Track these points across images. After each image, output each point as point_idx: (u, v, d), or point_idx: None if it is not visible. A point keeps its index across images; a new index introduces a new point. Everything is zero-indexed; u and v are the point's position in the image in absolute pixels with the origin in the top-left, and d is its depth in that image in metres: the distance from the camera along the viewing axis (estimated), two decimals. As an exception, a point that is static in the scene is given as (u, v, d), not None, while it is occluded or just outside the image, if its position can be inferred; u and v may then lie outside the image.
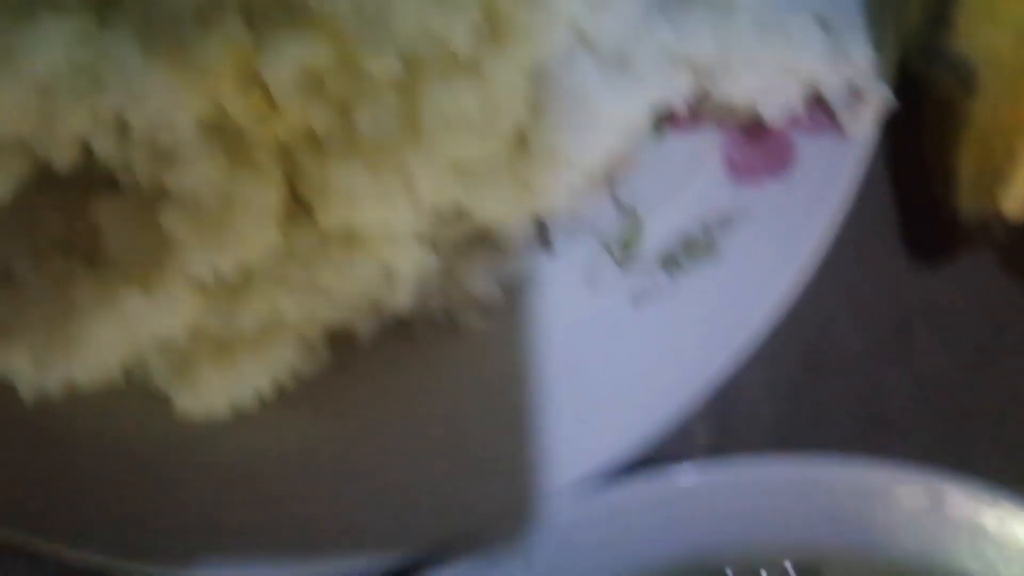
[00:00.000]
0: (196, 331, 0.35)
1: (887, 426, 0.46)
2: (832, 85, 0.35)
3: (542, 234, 0.38)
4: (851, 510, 0.41)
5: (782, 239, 0.37)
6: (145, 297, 0.34)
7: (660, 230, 0.38)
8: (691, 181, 0.38)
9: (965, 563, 0.42)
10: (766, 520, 0.41)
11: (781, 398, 0.46)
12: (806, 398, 0.46)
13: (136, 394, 0.38)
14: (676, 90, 0.36)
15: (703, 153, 0.38)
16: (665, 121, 0.37)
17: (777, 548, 0.42)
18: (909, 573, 0.42)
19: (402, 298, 0.36)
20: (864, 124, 0.35)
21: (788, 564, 0.42)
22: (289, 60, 0.30)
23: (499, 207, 0.34)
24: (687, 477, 0.39)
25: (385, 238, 0.33)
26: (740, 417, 0.46)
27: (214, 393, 0.36)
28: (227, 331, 0.35)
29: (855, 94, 0.35)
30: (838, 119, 0.35)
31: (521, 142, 0.33)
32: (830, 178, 0.36)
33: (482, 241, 0.37)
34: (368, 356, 0.39)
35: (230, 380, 0.36)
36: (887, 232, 0.46)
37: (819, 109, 0.35)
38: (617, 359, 0.39)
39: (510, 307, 0.40)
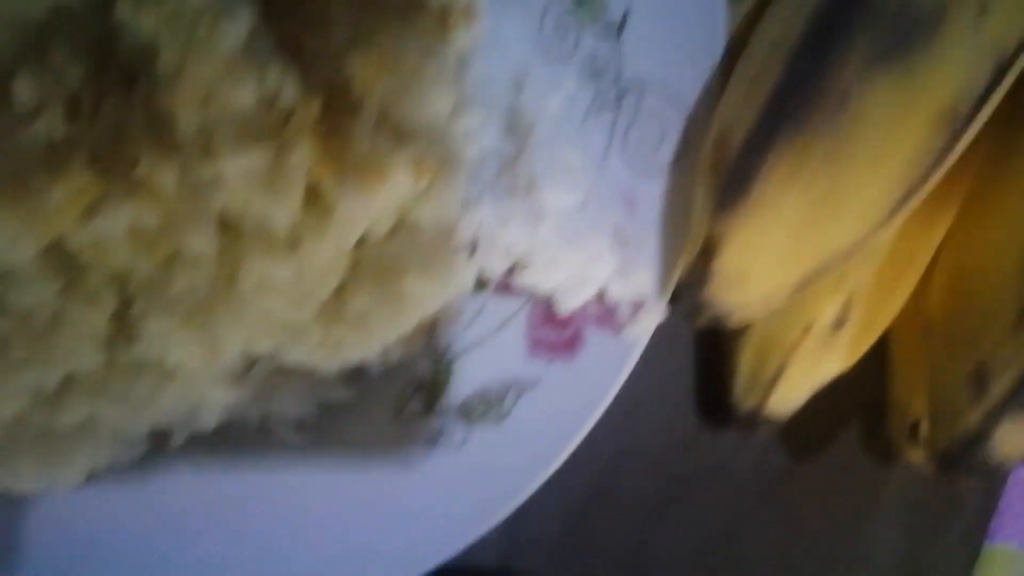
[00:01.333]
0: (18, 424, 0.39)
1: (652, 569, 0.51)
2: (618, 293, 0.40)
3: (356, 371, 0.42)
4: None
5: (563, 412, 0.42)
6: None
7: (464, 383, 0.43)
8: (498, 346, 0.42)
9: None
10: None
11: (567, 523, 0.51)
12: (589, 526, 0.51)
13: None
14: (493, 265, 0.41)
15: (511, 324, 0.43)
16: (484, 285, 0.42)
17: None
18: None
19: (212, 416, 0.40)
20: (641, 329, 0.40)
21: None
22: (120, 218, 0.34)
23: (309, 359, 0.38)
24: None
25: (193, 376, 0.37)
26: (528, 536, 0.51)
27: (32, 479, 0.40)
28: (47, 427, 0.39)
29: (637, 303, 0.40)
30: (621, 321, 0.40)
31: (336, 307, 0.37)
32: (609, 366, 0.41)
33: (296, 372, 0.41)
34: (182, 452, 0.43)
35: (48, 468, 0.40)
36: (685, 392, 0.51)
37: (607, 309, 0.40)
38: (410, 492, 0.43)
39: (322, 427, 0.44)
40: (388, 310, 0.38)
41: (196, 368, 0.36)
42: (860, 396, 0.51)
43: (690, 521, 0.52)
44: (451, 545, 0.42)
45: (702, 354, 0.51)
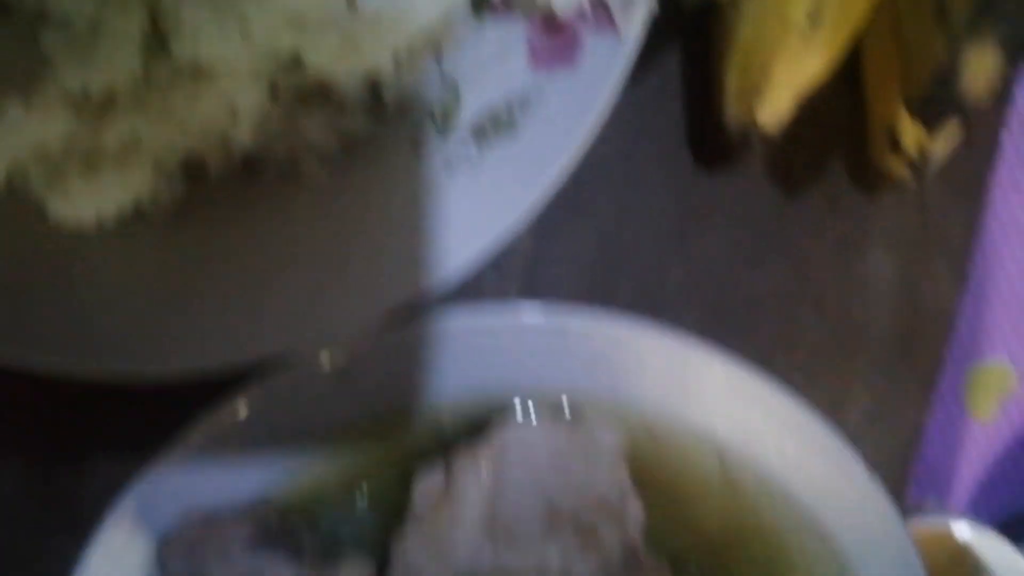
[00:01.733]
0: (68, 145, 0.42)
1: (664, 308, 0.55)
2: (607, -14, 0.44)
3: (375, 97, 0.46)
4: (615, 360, 0.49)
5: (568, 118, 0.45)
6: (25, 110, 0.40)
7: (473, 104, 0.46)
8: (501, 62, 0.46)
9: (714, 421, 0.50)
10: (551, 362, 0.49)
11: (579, 274, 0.54)
12: (599, 276, 0.54)
13: (14, 207, 0.45)
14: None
15: (512, 40, 0.46)
16: (483, 6, 0.45)
17: (553, 387, 0.50)
18: (658, 425, 0.51)
19: (244, 132, 0.43)
20: (634, 25, 0.44)
21: (564, 399, 0.50)
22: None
23: (329, 58, 0.41)
24: (503, 315, 0.47)
25: (227, 74, 0.40)
26: (544, 284, 0.54)
27: (81, 203, 0.43)
28: (94, 147, 0.42)
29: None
30: (614, 19, 0.44)
31: (351, 2, 0.41)
32: (607, 69, 0.45)
33: (321, 96, 0.45)
34: (219, 191, 0.46)
35: (95, 192, 0.43)
36: (680, 138, 0.54)
37: (601, 9, 0.44)
38: (430, 214, 0.46)
39: (346, 161, 0.47)
40: (398, 9, 0.41)
41: (228, 64, 0.39)
42: (842, 123, 0.54)
43: (694, 259, 0.55)
44: (475, 255, 0.45)
45: (691, 96, 0.54)
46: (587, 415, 0.49)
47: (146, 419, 0.47)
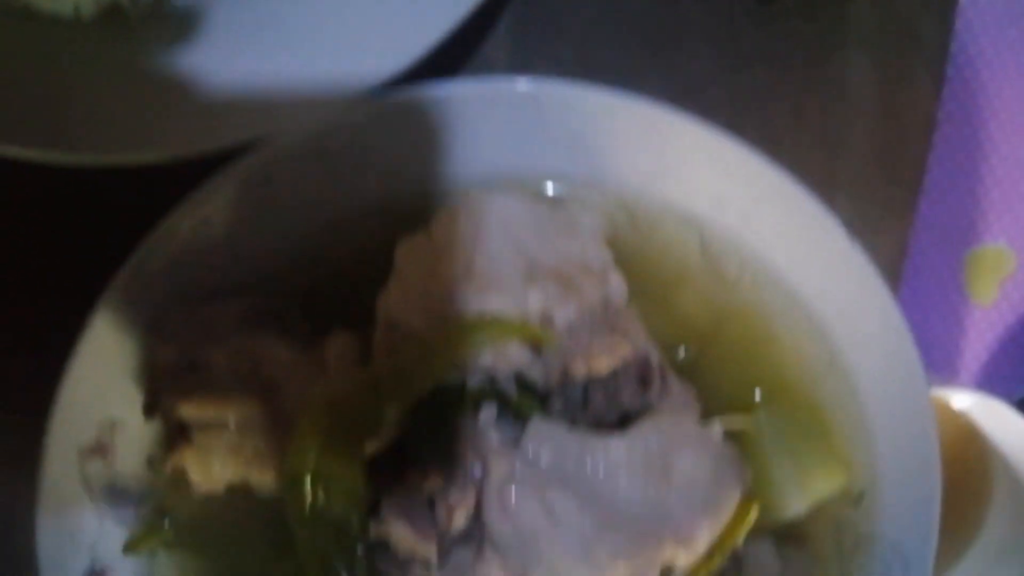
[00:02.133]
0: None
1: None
2: None
3: None
4: (595, 139, 0.49)
5: None
6: None
7: None
8: None
9: (694, 198, 0.51)
10: (531, 144, 0.50)
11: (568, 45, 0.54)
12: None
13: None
14: None
15: None
16: None
17: (534, 173, 0.50)
18: (638, 206, 0.51)
19: None
20: None
21: (548, 185, 0.50)
22: None
23: None
24: (483, 84, 0.47)
25: None
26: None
27: None
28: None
29: None
30: None
31: None
32: None
33: None
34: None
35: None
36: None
37: None
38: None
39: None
40: None
41: None
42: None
43: (675, 67, 0.56)
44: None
45: None
46: (569, 199, 0.50)
47: (134, 206, 0.47)
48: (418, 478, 0.41)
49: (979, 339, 0.74)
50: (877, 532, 0.53)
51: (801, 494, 0.51)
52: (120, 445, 0.51)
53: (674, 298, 0.51)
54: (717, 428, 0.44)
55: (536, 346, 0.43)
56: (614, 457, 0.42)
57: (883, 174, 0.58)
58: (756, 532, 0.52)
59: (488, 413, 0.42)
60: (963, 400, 0.69)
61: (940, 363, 0.69)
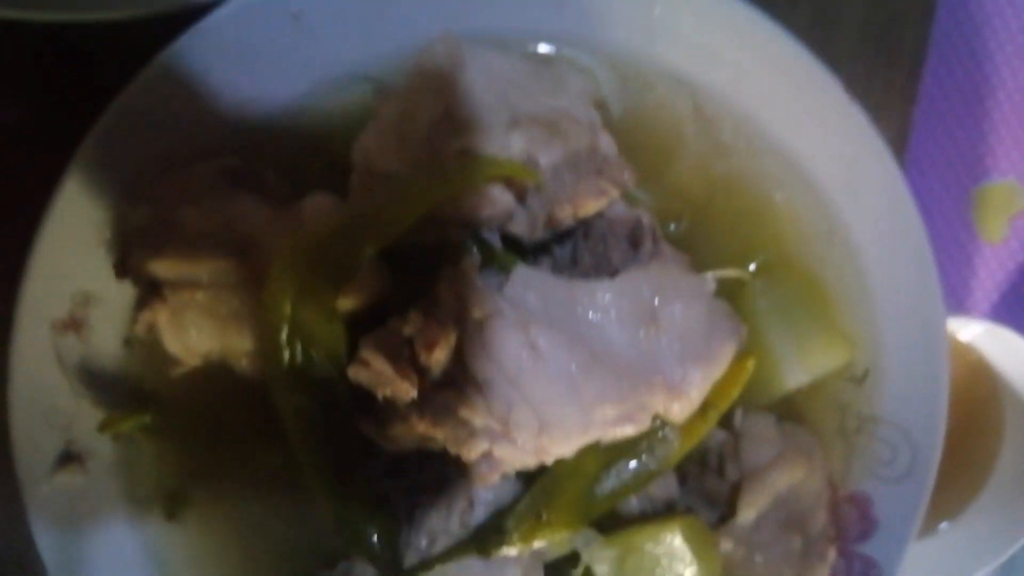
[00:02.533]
0: None
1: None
2: None
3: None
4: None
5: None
6: None
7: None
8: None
9: (686, 59, 0.49)
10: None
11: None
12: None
13: None
14: None
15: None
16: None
17: (524, 34, 0.49)
18: (629, 71, 0.49)
19: None
20: None
21: (537, 47, 0.49)
22: None
23: None
24: None
25: None
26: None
27: None
28: None
29: None
30: None
31: None
32: None
33: None
34: None
35: None
36: None
37: None
38: None
39: None
40: None
41: None
42: None
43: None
44: None
45: None
46: (557, 60, 0.48)
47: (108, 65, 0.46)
48: (398, 323, 0.39)
49: (989, 277, 0.72)
50: (882, 414, 0.51)
51: (800, 366, 0.49)
52: (95, 322, 0.49)
53: (667, 168, 0.49)
54: (710, 278, 0.42)
55: (520, 191, 0.41)
56: (602, 301, 0.40)
57: (882, 56, 0.56)
58: (754, 406, 0.50)
59: (470, 261, 0.40)
60: (972, 330, 0.67)
61: (948, 300, 0.66)
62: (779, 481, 0.46)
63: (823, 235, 0.50)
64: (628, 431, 0.40)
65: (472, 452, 0.39)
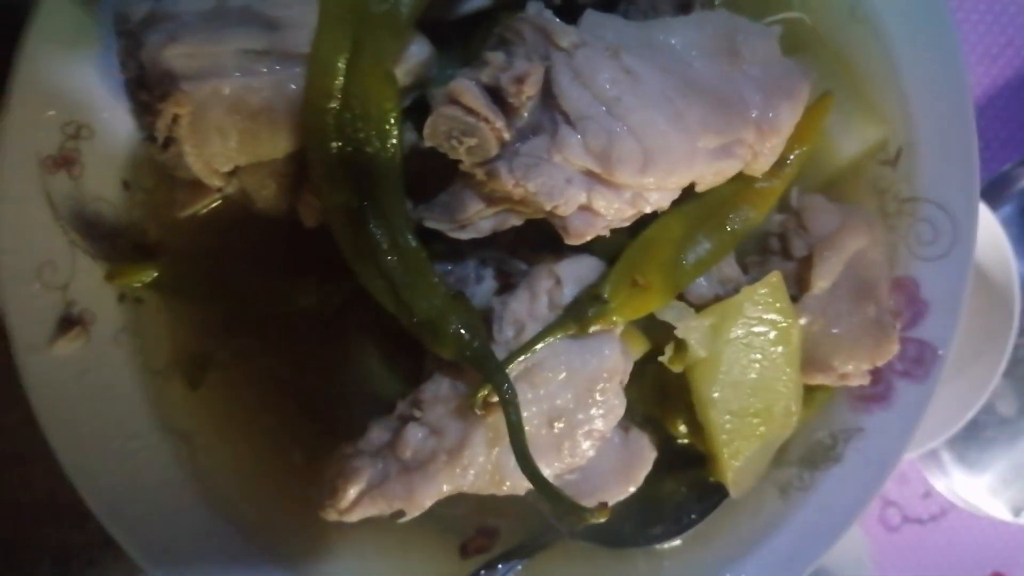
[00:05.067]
0: None
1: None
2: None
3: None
4: None
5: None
6: None
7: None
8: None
9: None
10: None
11: None
12: None
13: None
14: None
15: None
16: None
17: None
18: None
19: None
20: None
21: None
22: None
23: None
24: None
25: None
26: None
27: None
28: None
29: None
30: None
31: None
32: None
33: None
34: None
35: None
36: None
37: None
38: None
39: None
40: None
41: None
42: None
43: None
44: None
45: None
46: None
47: None
48: (474, 71, 0.36)
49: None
50: (919, 192, 0.51)
51: (848, 136, 0.48)
52: (89, 159, 0.43)
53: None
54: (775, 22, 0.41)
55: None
56: (682, 35, 0.38)
57: None
58: (805, 187, 0.49)
59: (537, 6, 0.37)
60: None
61: None
62: (851, 244, 0.45)
63: (846, 10, 0.50)
64: (731, 166, 0.37)
65: (570, 204, 0.36)
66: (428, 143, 0.36)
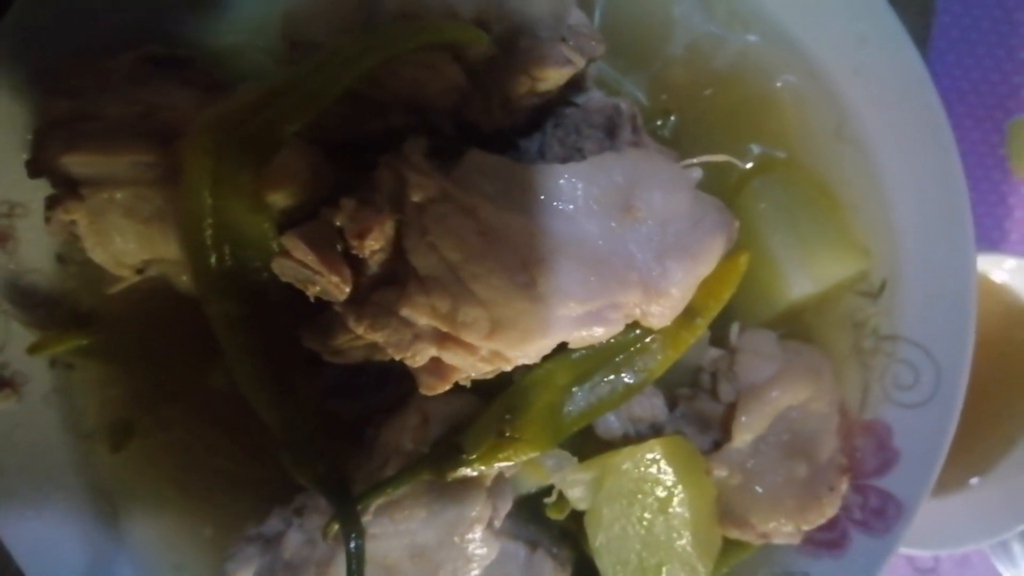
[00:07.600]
0: None
1: None
2: None
3: None
4: None
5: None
6: None
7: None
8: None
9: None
10: None
11: None
12: None
13: None
14: None
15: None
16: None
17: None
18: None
19: None
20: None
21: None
22: None
23: None
24: None
25: None
26: None
27: None
28: None
29: None
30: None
31: None
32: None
33: None
34: None
35: None
36: None
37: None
38: None
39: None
40: None
41: None
42: None
43: None
44: None
45: None
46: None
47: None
48: (330, 213, 0.34)
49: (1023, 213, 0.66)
50: (902, 332, 0.45)
51: (805, 274, 0.43)
52: (23, 234, 0.45)
53: (653, 55, 0.44)
54: (695, 166, 0.37)
55: (471, 66, 0.36)
56: (568, 186, 0.35)
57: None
58: (754, 322, 0.45)
59: (413, 142, 0.35)
60: (1007, 268, 0.61)
61: (979, 239, 0.61)
62: (779, 400, 0.41)
63: (831, 130, 0.44)
64: (598, 334, 0.34)
65: (417, 358, 0.34)
66: (281, 279, 0.35)
